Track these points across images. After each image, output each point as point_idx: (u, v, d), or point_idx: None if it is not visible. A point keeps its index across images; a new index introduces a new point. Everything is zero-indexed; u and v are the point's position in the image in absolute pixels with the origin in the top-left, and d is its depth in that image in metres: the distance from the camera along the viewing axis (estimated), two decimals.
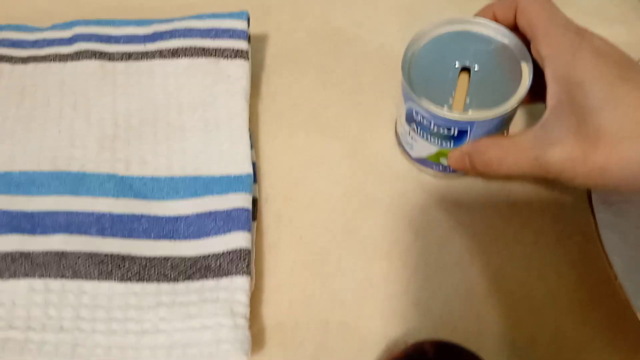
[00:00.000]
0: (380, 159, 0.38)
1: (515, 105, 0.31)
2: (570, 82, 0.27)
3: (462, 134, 0.32)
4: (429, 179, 0.37)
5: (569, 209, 0.35)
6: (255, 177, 0.36)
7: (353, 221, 0.36)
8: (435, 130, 0.32)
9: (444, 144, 0.33)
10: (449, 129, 0.31)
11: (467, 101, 0.31)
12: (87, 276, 0.31)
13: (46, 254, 0.31)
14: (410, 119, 0.33)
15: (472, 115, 0.30)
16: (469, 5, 0.37)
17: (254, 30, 0.43)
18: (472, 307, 0.33)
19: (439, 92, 0.32)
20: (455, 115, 0.30)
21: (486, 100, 0.31)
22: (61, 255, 0.31)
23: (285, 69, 0.42)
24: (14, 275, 0.31)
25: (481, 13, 0.33)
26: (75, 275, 0.31)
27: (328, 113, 0.40)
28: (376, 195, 0.37)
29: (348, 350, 0.32)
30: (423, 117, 0.32)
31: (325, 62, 0.42)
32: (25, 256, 0.31)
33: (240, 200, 0.33)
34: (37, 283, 0.31)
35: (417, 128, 0.33)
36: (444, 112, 0.30)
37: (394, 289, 0.33)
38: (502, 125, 0.32)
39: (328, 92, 0.41)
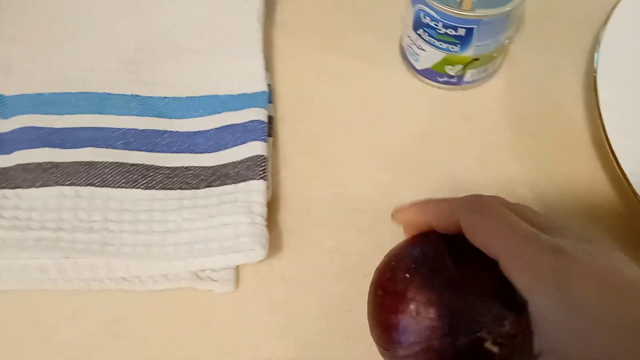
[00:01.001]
0: (389, 75, 0.39)
1: (519, 4, 0.31)
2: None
3: (468, 34, 0.32)
4: (434, 90, 0.38)
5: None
6: (270, 97, 0.37)
7: (364, 133, 0.37)
8: (443, 31, 0.33)
9: (450, 48, 0.33)
10: (456, 29, 0.32)
11: (474, 0, 0.32)
12: (114, 184, 0.33)
13: (75, 164, 0.33)
14: (418, 24, 0.34)
15: (478, 12, 0.31)
16: None
17: None
18: None
19: None
20: (463, 12, 0.31)
21: (492, 0, 0.32)
22: (89, 165, 0.33)
23: None
24: (45, 183, 0.33)
25: (403, 217, 0.26)
26: (103, 183, 0.33)
27: (341, 35, 0.41)
28: (386, 109, 0.37)
29: (362, 253, 0.33)
30: (432, 19, 0.32)
31: None
32: (56, 166, 0.33)
33: (255, 114, 0.35)
34: (68, 190, 0.32)
35: (425, 33, 0.34)
36: (452, 10, 0.31)
37: (405, 196, 0.34)
38: (506, 25, 0.32)
39: (341, 14, 0.42)
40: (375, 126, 0.37)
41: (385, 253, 0.32)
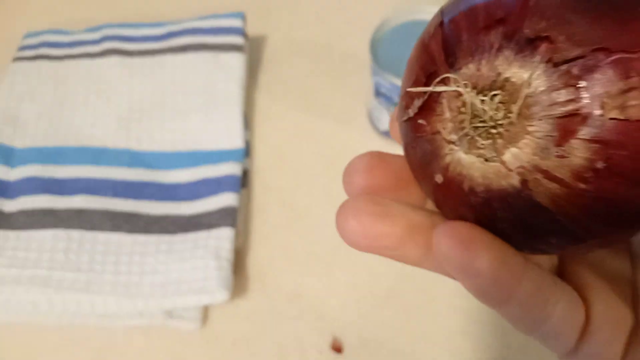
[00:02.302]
0: (356, 134, 0.43)
1: None
2: None
3: None
4: (396, 150, 0.41)
5: None
6: (247, 151, 0.42)
7: (331, 187, 0.41)
8: (397, 100, 0.37)
9: None
10: None
11: None
12: (101, 228, 0.37)
13: (69, 210, 0.38)
14: (377, 92, 0.38)
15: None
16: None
17: (255, 31, 0.49)
18: None
19: (401, 68, 0.36)
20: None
21: None
22: (81, 212, 0.38)
23: (280, 63, 0.48)
24: (43, 226, 0.37)
25: None
26: (92, 227, 0.37)
27: (315, 98, 0.45)
28: None
29: (318, 296, 0.36)
30: (387, 90, 0.37)
31: (317, 54, 0.48)
32: (52, 212, 0.38)
33: (231, 168, 0.39)
34: (61, 233, 0.37)
35: (382, 100, 0.38)
36: None
37: None
38: None
39: (317, 80, 0.46)
40: (341, 181, 0.41)
41: (338, 296, 0.36)
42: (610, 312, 0.16)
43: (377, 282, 0.36)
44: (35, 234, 0.37)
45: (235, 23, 0.44)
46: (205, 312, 0.36)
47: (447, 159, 0.14)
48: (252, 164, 0.42)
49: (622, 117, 0.11)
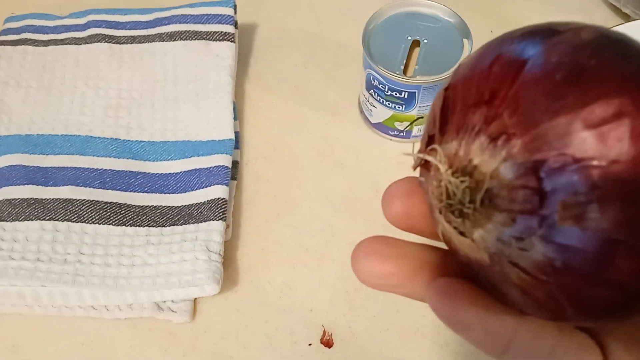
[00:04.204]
0: (347, 127, 0.42)
1: None
2: None
3: (411, 96, 0.36)
4: (386, 142, 0.41)
5: None
6: (237, 143, 0.41)
7: (322, 179, 0.40)
8: (389, 93, 0.36)
9: (396, 107, 0.37)
10: (400, 92, 0.36)
11: (416, 68, 0.36)
12: (89, 220, 0.37)
13: (56, 200, 0.37)
14: (369, 85, 0.38)
15: (419, 79, 0.35)
16: None
17: (247, 19, 0.48)
18: None
19: (393, 61, 0.36)
20: (405, 79, 0.35)
21: (432, 68, 0.36)
22: (68, 202, 0.37)
23: (271, 52, 0.47)
24: (28, 217, 0.36)
25: None
26: (79, 219, 0.37)
27: (307, 89, 0.45)
28: (343, 157, 0.41)
29: (308, 289, 0.36)
30: (379, 82, 0.36)
31: (309, 45, 0.47)
32: (38, 202, 0.37)
33: (221, 160, 0.39)
34: (47, 224, 0.36)
35: (375, 93, 0.38)
36: (396, 77, 0.35)
37: (353, 239, 0.38)
38: None
39: (308, 70, 0.46)
40: (333, 173, 0.41)
41: (329, 289, 0.35)
42: (631, 357, 0.16)
43: None
44: (20, 225, 0.36)
45: (226, 11, 0.43)
46: (195, 305, 0.35)
47: (437, 217, 0.14)
48: (243, 155, 0.42)
49: (577, 226, 0.12)
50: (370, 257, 0.16)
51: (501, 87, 0.13)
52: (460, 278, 0.15)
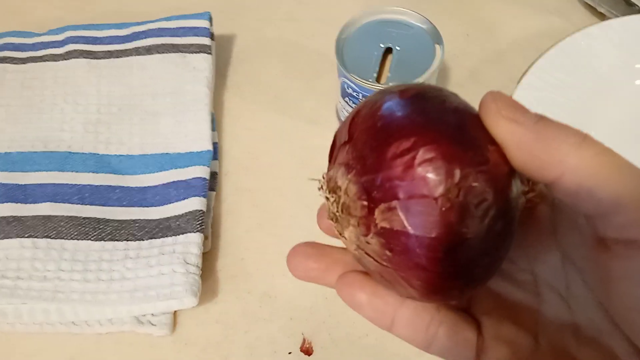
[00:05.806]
0: (326, 134, 0.42)
1: (429, 78, 0.35)
2: None
3: None
4: None
5: None
6: (216, 154, 0.41)
7: (302, 188, 0.40)
8: None
9: None
10: None
11: (389, 75, 0.36)
12: (68, 236, 0.37)
13: (35, 217, 0.37)
14: (344, 93, 0.38)
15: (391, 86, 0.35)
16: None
17: (225, 30, 0.49)
18: None
19: (367, 69, 0.36)
20: (377, 86, 0.35)
21: (405, 75, 0.36)
22: (47, 219, 0.37)
23: (250, 62, 0.47)
24: (7, 235, 0.37)
25: None
26: (58, 235, 0.37)
27: (286, 98, 0.45)
28: (323, 165, 0.41)
29: (289, 298, 0.36)
30: (353, 90, 0.37)
31: (288, 54, 0.47)
32: (18, 220, 0.37)
33: (199, 172, 0.39)
34: (27, 242, 0.36)
35: (350, 101, 0.38)
36: (369, 84, 0.35)
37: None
38: None
39: (287, 79, 0.46)
40: (312, 181, 0.41)
41: (309, 297, 0.35)
42: (502, 334, 0.20)
43: None
44: (0, 243, 0.36)
45: (202, 23, 0.44)
46: (176, 317, 0.36)
47: None
48: (222, 165, 0.42)
49: (388, 227, 0.17)
50: (298, 256, 0.22)
51: (354, 131, 0.18)
52: (362, 272, 0.20)
